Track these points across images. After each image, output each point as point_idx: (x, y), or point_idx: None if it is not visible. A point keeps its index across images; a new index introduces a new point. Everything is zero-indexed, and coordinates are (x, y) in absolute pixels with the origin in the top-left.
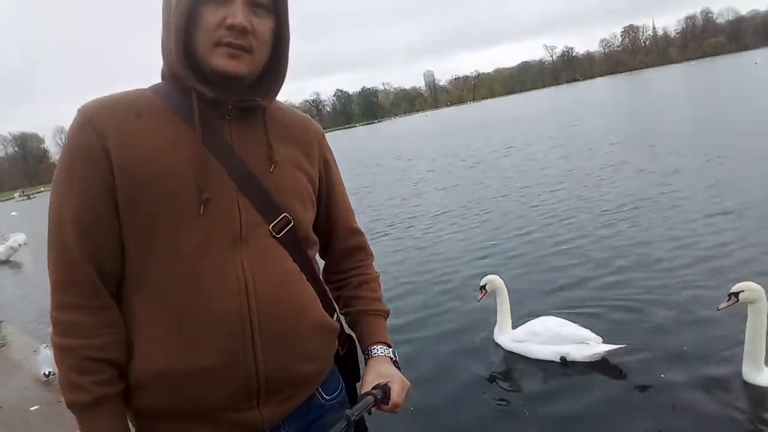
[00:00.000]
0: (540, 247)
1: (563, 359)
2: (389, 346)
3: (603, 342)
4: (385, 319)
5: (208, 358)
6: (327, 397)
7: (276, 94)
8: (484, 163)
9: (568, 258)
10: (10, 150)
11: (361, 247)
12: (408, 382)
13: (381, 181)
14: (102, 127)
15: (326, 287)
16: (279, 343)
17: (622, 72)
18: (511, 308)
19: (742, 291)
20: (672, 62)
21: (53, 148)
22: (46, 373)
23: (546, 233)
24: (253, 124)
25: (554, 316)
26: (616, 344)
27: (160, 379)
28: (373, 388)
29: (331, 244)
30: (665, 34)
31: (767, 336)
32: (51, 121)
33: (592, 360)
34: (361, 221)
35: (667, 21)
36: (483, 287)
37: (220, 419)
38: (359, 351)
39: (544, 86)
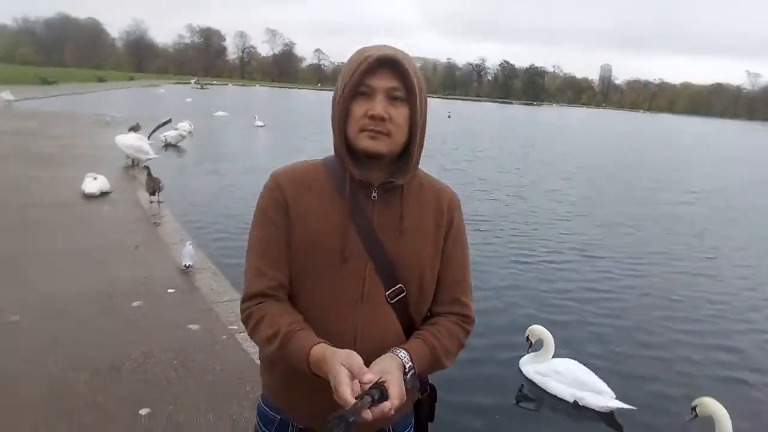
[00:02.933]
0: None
1: (576, 403)
2: (411, 361)
3: (615, 398)
4: (431, 355)
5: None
6: None
7: (411, 173)
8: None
9: (627, 318)
10: (196, 39)
11: (459, 313)
12: (404, 385)
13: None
14: (286, 191)
15: None
16: None
17: None
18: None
19: (697, 406)
20: None
21: (231, 48)
22: (186, 265)
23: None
24: (392, 200)
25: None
26: (626, 404)
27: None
28: (371, 388)
29: (432, 305)
30: None
31: None
32: (234, 24)
33: (602, 411)
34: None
35: None
36: (527, 338)
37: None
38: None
39: (735, 117)
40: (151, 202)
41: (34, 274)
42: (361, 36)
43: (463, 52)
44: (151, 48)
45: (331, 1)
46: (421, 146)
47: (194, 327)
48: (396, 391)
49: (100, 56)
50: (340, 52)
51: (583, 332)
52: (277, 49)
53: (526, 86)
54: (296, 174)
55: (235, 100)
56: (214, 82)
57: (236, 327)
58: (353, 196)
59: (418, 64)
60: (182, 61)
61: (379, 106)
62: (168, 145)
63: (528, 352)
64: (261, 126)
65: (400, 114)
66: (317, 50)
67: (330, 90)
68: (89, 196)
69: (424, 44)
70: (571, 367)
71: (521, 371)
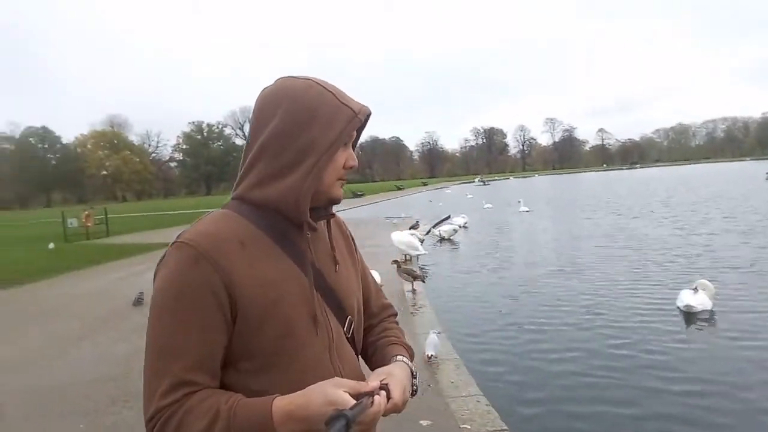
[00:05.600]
0: None
1: None
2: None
3: None
4: (410, 354)
5: None
6: None
7: None
8: None
9: None
10: (480, 141)
11: (391, 313)
12: (407, 382)
13: None
14: (217, 259)
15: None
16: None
17: None
18: None
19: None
20: None
21: (512, 142)
22: (429, 355)
23: None
24: (321, 233)
25: None
26: None
27: None
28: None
29: (369, 320)
30: None
31: None
32: (514, 119)
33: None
34: None
35: None
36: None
37: None
38: None
39: None
40: (408, 291)
41: None
42: (648, 108)
43: None
44: (441, 155)
45: (613, 78)
46: None
47: (425, 423)
48: (398, 392)
49: (401, 168)
50: (625, 127)
51: None
52: (558, 137)
53: None
54: (217, 233)
55: (510, 191)
56: (496, 177)
57: (468, 426)
58: (300, 244)
59: (724, 125)
60: (468, 161)
61: (355, 156)
62: (442, 239)
63: None
64: (527, 211)
65: None
66: (600, 130)
67: (618, 169)
68: None
69: (730, 101)
70: None
71: None
